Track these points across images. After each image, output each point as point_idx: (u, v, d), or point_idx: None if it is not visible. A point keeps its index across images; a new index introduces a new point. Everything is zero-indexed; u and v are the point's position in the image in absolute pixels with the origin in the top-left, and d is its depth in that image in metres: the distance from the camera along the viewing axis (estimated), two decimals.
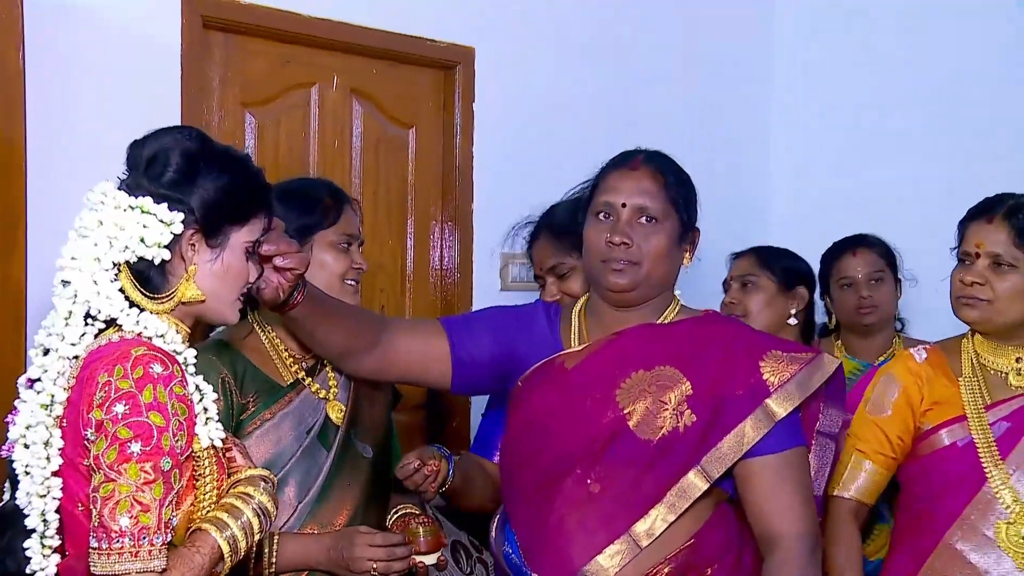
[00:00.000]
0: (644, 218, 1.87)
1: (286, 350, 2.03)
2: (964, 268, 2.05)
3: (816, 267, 2.86)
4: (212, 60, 2.83)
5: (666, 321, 1.94)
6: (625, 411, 1.84)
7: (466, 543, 2.76)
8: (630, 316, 1.93)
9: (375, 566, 1.92)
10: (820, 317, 2.89)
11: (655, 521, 1.80)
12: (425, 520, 2.08)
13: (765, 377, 1.82)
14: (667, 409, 1.82)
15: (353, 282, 2.06)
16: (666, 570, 1.80)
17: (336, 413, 2.04)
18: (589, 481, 1.83)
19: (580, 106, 3.59)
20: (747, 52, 4.13)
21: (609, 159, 1.98)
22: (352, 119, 3.17)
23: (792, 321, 2.59)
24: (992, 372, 2.07)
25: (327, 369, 2.07)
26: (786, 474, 1.81)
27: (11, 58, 2.21)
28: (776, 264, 2.65)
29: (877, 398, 2.13)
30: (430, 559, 2.01)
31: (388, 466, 2.17)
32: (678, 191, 1.91)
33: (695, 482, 1.80)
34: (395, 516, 2.12)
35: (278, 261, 1.68)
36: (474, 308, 3.29)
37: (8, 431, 1.46)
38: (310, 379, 2.04)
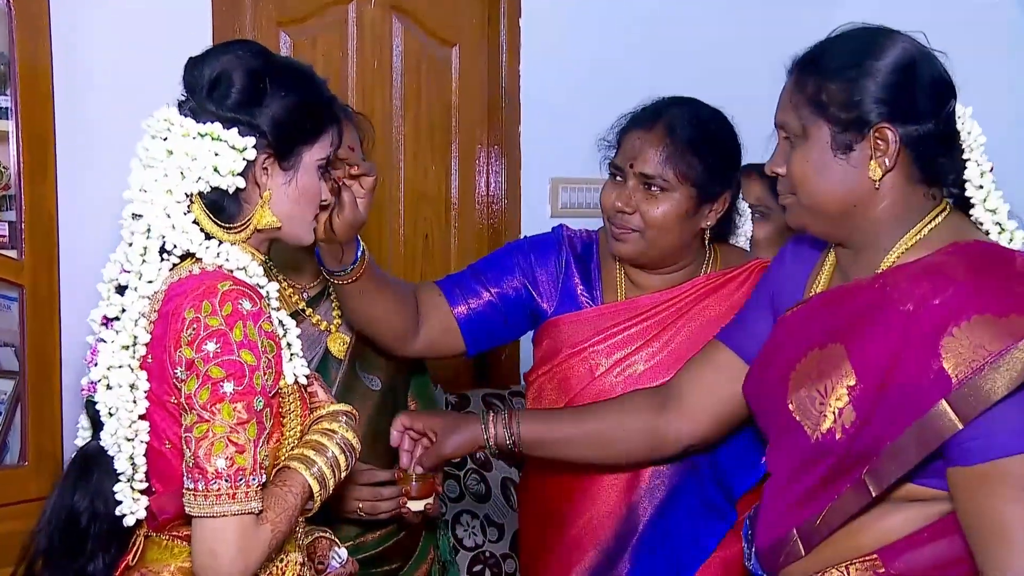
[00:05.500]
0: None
1: (285, 279, 1.95)
2: None
3: None
4: None
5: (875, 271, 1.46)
6: (790, 397, 1.49)
7: (516, 480, 2.71)
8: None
9: (360, 506, 1.87)
10: None
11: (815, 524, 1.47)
12: None
13: (945, 365, 1.30)
14: (825, 402, 1.43)
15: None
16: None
17: (338, 346, 1.97)
18: (765, 460, 1.57)
19: (632, 23, 3.41)
20: None
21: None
22: (392, 37, 3.03)
23: None
24: None
25: (331, 299, 1.98)
26: (994, 489, 1.30)
27: None
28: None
29: None
30: (416, 506, 1.91)
31: (398, 397, 2.10)
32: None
33: (853, 497, 1.42)
34: None
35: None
36: (523, 236, 3.19)
37: (88, 369, 1.43)
38: (310, 310, 1.96)
